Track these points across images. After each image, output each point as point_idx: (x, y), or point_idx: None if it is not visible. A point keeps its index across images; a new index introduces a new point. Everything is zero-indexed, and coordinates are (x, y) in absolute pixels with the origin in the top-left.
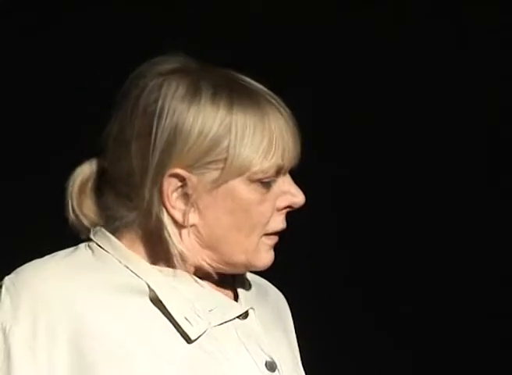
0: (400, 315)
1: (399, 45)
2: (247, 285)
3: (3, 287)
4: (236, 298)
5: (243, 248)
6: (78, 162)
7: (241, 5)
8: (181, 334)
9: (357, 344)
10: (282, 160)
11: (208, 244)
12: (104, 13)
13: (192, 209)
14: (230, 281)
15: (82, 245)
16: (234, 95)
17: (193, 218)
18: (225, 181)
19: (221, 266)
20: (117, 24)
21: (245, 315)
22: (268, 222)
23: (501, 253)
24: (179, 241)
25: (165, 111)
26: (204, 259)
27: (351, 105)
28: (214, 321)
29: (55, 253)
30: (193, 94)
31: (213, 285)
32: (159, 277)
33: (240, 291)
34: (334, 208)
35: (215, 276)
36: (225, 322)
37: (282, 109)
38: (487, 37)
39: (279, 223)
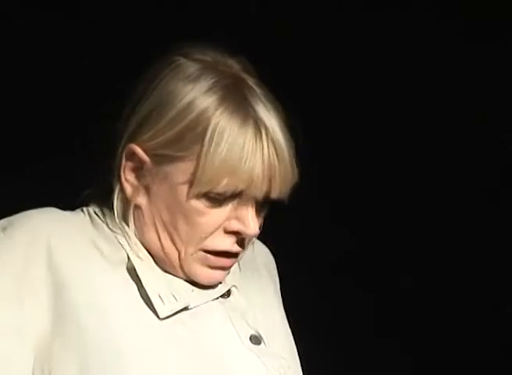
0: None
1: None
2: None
3: (20, 214)
4: None
5: (176, 251)
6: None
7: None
8: (152, 311)
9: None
10: (247, 186)
11: (152, 230)
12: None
13: (143, 191)
14: None
15: (83, 209)
16: (226, 100)
17: (141, 199)
18: (176, 182)
19: (161, 257)
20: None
21: (228, 293)
22: (206, 237)
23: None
24: (122, 214)
25: (159, 86)
26: (149, 242)
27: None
28: (194, 301)
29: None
30: (191, 79)
31: None
32: (143, 254)
33: None
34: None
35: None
36: (209, 301)
37: (269, 140)
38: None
39: (219, 243)
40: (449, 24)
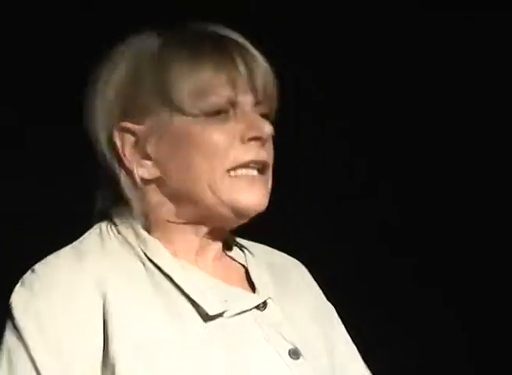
0: None
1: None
2: (263, 274)
3: (34, 274)
4: (254, 289)
5: (207, 186)
6: None
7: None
8: (199, 314)
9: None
10: (230, 91)
11: (175, 193)
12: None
13: (150, 162)
14: (245, 276)
15: (102, 229)
16: (186, 39)
17: (153, 171)
18: (169, 121)
19: (203, 215)
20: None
21: (264, 305)
22: (228, 152)
23: None
24: (143, 199)
25: (107, 69)
26: (182, 211)
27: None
28: (229, 311)
29: (72, 244)
30: (128, 49)
31: (231, 278)
32: (175, 265)
33: (257, 281)
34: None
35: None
36: (242, 312)
37: (232, 41)
38: None
39: (243, 153)
40: None
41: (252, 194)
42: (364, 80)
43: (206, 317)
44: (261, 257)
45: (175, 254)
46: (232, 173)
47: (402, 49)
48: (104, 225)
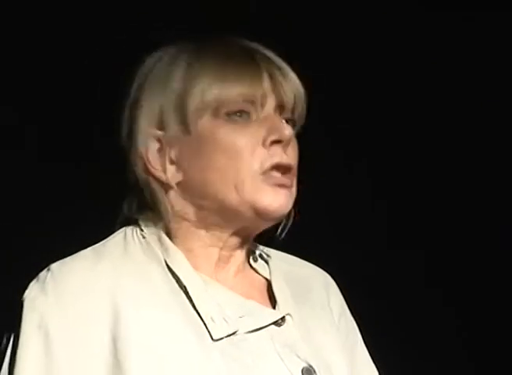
0: None
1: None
2: (285, 289)
3: (49, 272)
4: (274, 303)
5: (232, 185)
6: None
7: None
8: (208, 333)
9: None
10: (249, 90)
11: (201, 195)
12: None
13: (174, 167)
14: (267, 288)
15: (127, 234)
16: (194, 49)
17: (177, 175)
18: (191, 124)
19: (224, 216)
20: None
21: (283, 321)
22: (251, 156)
23: None
24: (171, 204)
25: (140, 77)
26: (205, 214)
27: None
28: (243, 328)
29: (94, 247)
30: (155, 62)
31: (250, 292)
32: (194, 277)
33: (278, 295)
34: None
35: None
36: (259, 329)
37: (258, 53)
38: None
39: (268, 158)
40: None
41: (275, 196)
42: (361, 78)
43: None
44: (285, 269)
45: (196, 266)
46: (258, 176)
47: (400, 51)
48: (129, 229)
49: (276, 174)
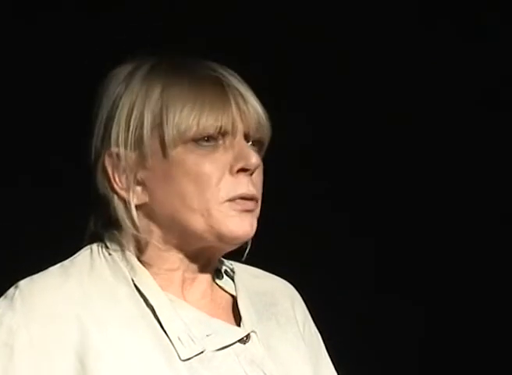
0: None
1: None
2: (250, 306)
3: (17, 290)
4: (239, 320)
5: (198, 212)
6: None
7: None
8: (176, 353)
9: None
10: (220, 122)
11: (166, 219)
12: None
13: (139, 187)
14: (232, 305)
15: (93, 251)
16: (170, 71)
17: (142, 196)
18: (162, 149)
19: (188, 240)
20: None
21: (248, 338)
22: (218, 185)
23: None
24: (136, 221)
25: (106, 94)
26: (167, 237)
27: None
28: (210, 346)
29: (62, 263)
30: (130, 75)
31: (216, 310)
32: (161, 297)
33: (243, 312)
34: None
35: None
36: (225, 347)
37: (224, 80)
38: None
39: (233, 187)
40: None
41: (240, 222)
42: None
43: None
44: (250, 283)
45: (162, 286)
46: (223, 203)
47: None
48: (95, 246)
49: (242, 202)
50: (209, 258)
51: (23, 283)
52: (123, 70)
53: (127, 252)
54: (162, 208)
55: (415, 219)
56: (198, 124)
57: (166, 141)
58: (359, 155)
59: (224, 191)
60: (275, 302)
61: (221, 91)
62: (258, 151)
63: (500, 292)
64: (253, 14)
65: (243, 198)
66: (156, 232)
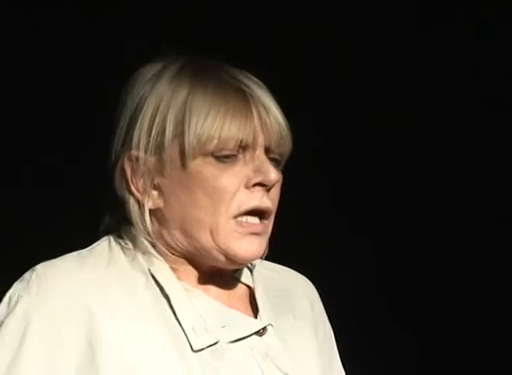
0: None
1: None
2: (267, 298)
3: (34, 273)
4: (256, 312)
5: (208, 228)
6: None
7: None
8: (188, 343)
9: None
10: (242, 133)
11: (177, 227)
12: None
13: (155, 192)
14: (249, 296)
15: (112, 242)
16: (195, 77)
17: (157, 201)
18: (181, 158)
19: (195, 252)
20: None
21: (264, 331)
22: (231, 199)
23: None
24: (148, 225)
25: (130, 95)
26: (177, 244)
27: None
28: (225, 338)
29: (79, 252)
30: (157, 77)
31: (233, 301)
32: (177, 287)
33: (261, 304)
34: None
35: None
36: (240, 339)
37: (248, 90)
38: None
39: (246, 200)
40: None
41: (247, 245)
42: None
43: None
44: (269, 277)
45: (179, 277)
46: (234, 219)
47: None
48: (113, 237)
49: (251, 220)
50: (220, 268)
51: (39, 267)
52: (149, 71)
53: (144, 244)
54: (175, 217)
55: (415, 219)
56: (220, 136)
57: (186, 151)
58: (359, 155)
59: (236, 204)
60: (292, 298)
61: (244, 101)
62: (278, 165)
63: (500, 290)
64: (262, 17)
65: (256, 212)
66: (169, 236)
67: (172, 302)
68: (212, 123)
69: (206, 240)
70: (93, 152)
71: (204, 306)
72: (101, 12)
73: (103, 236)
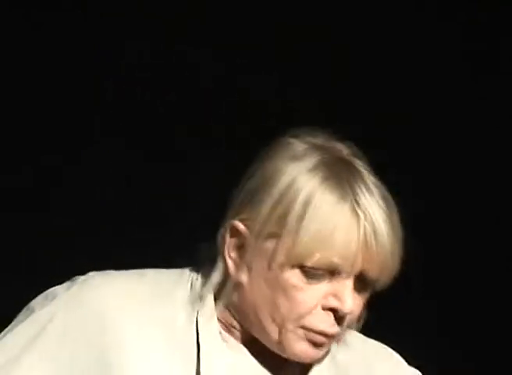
0: None
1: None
2: (324, 372)
3: (82, 278)
4: None
5: (277, 326)
6: None
7: None
8: None
9: None
10: (340, 262)
11: (249, 307)
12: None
13: (245, 268)
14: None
15: (186, 273)
16: (327, 179)
17: (243, 276)
18: (271, 257)
19: (254, 333)
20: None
21: None
22: (306, 314)
23: None
24: (227, 293)
25: (265, 164)
26: (241, 318)
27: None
28: None
29: (146, 272)
30: (294, 159)
31: (281, 369)
32: (216, 341)
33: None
34: None
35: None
36: None
37: (367, 222)
38: None
39: (318, 322)
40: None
41: (308, 351)
42: None
43: None
44: (335, 350)
45: (226, 329)
46: (299, 329)
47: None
48: (189, 271)
49: (319, 337)
50: None
51: (92, 274)
52: (291, 150)
53: (208, 292)
54: (251, 300)
55: (415, 219)
56: (319, 258)
57: (278, 259)
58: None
59: (308, 321)
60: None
61: (353, 222)
62: (368, 288)
63: (500, 287)
64: (262, 17)
65: (321, 333)
66: (236, 312)
67: (201, 355)
68: (318, 245)
69: (273, 334)
70: (93, 152)
71: (240, 368)
72: (101, 12)
73: (186, 262)
